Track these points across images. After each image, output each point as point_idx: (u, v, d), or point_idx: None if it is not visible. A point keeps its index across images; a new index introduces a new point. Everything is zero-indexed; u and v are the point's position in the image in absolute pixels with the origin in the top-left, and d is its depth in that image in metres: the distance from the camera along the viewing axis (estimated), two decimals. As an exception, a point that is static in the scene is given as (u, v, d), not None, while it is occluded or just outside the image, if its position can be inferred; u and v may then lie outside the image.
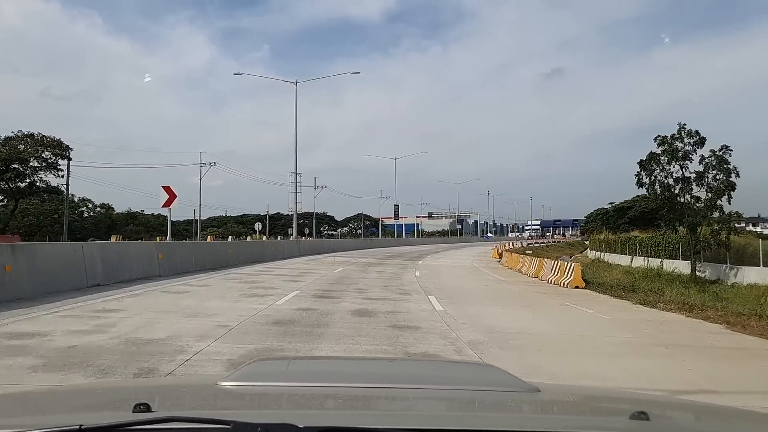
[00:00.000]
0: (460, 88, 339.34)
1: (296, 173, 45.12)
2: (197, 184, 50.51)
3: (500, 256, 37.93)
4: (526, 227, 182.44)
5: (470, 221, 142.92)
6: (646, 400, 2.32)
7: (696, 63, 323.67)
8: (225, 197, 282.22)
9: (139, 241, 42.41)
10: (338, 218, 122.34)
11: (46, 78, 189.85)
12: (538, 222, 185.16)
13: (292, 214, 45.99)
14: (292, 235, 45.85)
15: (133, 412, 1.31)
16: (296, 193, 45.94)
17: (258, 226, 56.71)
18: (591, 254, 46.62)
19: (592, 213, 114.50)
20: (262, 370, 2.17)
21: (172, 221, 24.96)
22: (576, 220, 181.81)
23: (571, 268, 17.54)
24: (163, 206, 21.58)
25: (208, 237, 52.94)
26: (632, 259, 31.97)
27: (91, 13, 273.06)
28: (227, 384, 1.73)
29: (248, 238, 56.35)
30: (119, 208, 68.85)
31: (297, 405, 1.67)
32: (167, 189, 21.19)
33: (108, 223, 60.02)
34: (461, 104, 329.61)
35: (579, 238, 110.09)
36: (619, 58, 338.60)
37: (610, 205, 73.23)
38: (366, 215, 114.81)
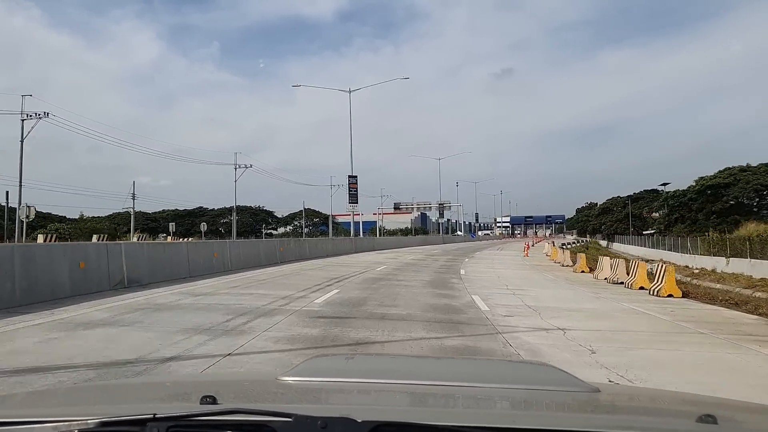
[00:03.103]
0: (413, 88, 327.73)
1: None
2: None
3: (623, 276, 15.66)
4: (497, 224, 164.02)
5: (433, 217, 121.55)
6: (713, 403, 2.03)
7: (637, 66, 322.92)
8: (174, 194, 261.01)
9: None
10: (281, 214, 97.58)
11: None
12: (508, 219, 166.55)
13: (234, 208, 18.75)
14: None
15: (201, 403, 1.34)
16: None
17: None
18: (732, 265, 25.19)
19: (585, 206, 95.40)
20: (321, 365, 2.22)
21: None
22: (549, 217, 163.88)
23: None
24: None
25: None
26: None
27: (29, 5, 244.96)
28: (288, 379, 1.76)
29: (96, 238, 30.78)
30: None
31: (355, 400, 1.69)
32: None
33: None
34: (414, 104, 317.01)
35: (574, 238, 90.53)
36: (566, 60, 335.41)
37: (662, 188, 51.49)
38: (314, 210, 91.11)
